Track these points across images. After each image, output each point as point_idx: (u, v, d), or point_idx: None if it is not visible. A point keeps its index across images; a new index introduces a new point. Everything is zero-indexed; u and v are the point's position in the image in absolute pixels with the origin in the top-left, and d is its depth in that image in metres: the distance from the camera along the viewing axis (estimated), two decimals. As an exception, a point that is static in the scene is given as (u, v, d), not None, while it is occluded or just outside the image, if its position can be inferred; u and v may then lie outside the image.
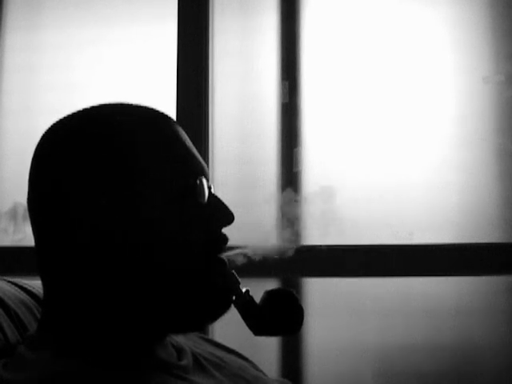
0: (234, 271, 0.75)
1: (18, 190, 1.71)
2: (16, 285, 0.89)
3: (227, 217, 0.74)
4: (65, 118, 0.75)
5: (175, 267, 0.70)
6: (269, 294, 0.77)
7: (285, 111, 1.70)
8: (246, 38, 1.74)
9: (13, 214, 1.72)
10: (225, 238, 0.74)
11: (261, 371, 0.91)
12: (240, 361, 0.89)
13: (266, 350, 1.59)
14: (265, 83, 1.72)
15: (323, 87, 1.70)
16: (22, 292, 0.87)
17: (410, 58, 1.68)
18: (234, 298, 0.75)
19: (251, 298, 0.76)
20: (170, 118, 0.77)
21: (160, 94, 1.72)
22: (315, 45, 1.72)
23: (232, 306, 0.75)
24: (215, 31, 1.74)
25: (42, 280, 0.75)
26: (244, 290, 0.75)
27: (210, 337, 0.96)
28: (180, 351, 0.79)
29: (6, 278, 0.91)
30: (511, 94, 1.65)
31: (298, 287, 1.65)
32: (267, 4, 1.74)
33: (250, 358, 0.93)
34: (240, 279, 0.75)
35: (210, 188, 0.76)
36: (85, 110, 0.75)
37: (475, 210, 1.62)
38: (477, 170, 1.63)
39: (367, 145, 1.66)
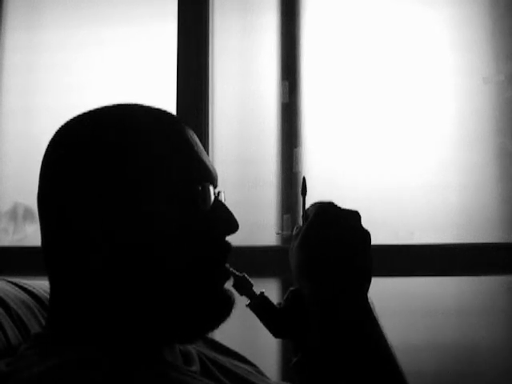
0: (245, 274, 0.75)
1: (18, 190, 1.71)
2: (16, 285, 0.89)
3: (230, 225, 0.74)
4: (73, 120, 0.75)
5: (174, 269, 0.70)
6: (292, 293, 0.75)
7: (285, 111, 1.70)
8: (246, 37, 1.74)
9: (13, 214, 1.71)
10: (228, 246, 0.74)
11: (264, 375, 0.91)
12: (244, 366, 0.88)
13: (266, 352, 1.59)
14: (265, 83, 1.72)
15: (323, 87, 1.70)
16: (22, 292, 0.87)
17: (410, 58, 1.68)
18: (248, 301, 0.75)
19: (266, 299, 0.74)
20: (180, 121, 0.77)
21: (160, 94, 1.72)
22: (315, 45, 1.71)
23: (232, 313, 0.74)
24: (215, 31, 1.74)
25: (50, 279, 0.75)
26: (259, 292, 0.74)
27: (210, 338, 0.95)
28: (187, 355, 0.79)
29: (6, 277, 0.91)
30: (511, 94, 1.65)
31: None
32: (267, 4, 1.74)
33: (251, 359, 0.93)
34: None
35: (218, 194, 0.76)
36: (93, 112, 0.75)
37: (475, 210, 1.62)
38: (477, 170, 1.63)
39: (367, 145, 1.66)
